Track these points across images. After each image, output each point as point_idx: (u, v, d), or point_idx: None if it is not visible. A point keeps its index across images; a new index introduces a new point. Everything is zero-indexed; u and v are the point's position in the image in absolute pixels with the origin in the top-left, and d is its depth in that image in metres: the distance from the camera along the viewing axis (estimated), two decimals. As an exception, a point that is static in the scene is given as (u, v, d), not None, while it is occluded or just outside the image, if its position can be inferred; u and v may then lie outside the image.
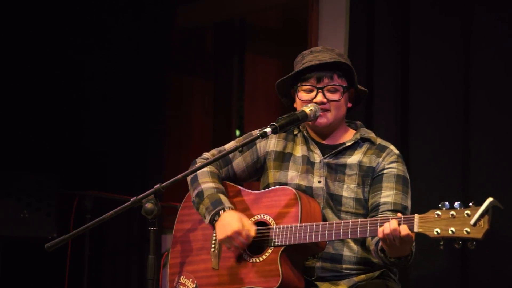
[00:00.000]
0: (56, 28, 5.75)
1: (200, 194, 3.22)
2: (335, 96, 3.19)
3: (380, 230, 2.85)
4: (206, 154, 3.36)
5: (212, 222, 3.15)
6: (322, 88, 3.18)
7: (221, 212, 3.14)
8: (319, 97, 3.18)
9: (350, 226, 2.95)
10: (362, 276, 3.17)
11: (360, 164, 3.20)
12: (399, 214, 2.89)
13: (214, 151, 3.37)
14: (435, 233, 2.70)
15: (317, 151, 3.25)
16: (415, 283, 4.15)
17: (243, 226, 3.08)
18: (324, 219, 3.16)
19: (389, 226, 2.83)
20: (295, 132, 3.33)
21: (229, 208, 3.15)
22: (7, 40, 5.66)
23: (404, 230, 2.81)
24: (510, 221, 3.82)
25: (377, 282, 3.16)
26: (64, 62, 5.78)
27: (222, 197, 3.20)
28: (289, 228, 3.06)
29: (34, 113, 5.72)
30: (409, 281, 4.13)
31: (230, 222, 3.09)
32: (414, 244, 3.02)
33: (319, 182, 3.20)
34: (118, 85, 5.75)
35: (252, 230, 3.09)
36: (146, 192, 2.97)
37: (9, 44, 5.67)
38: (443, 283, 4.10)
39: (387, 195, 3.14)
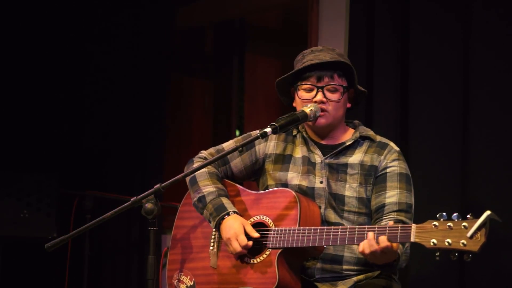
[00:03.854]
0: (56, 29, 5.76)
1: (202, 199, 3.22)
2: (335, 96, 3.19)
3: (361, 244, 2.86)
4: (204, 153, 3.36)
5: (218, 227, 3.16)
6: (322, 88, 3.18)
7: (226, 217, 3.14)
8: (319, 96, 3.18)
9: (347, 233, 2.94)
10: (361, 276, 3.16)
11: (361, 163, 3.20)
12: (399, 222, 2.89)
13: (212, 150, 3.36)
14: (432, 243, 2.70)
15: (318, 151, 3.25)
16: (414, 282, 4.15)
17: (242, 231, 3.09)
18: (325, 220, 3.15)
19: (368, 243, 2.83)
20: (294, 133, 3.32)
21: (233, 212, 3.16)
22: (7, 41, 5.66)
23: (383, 242, 2.81)
24: (509, 221, 3.82)
25: (377, 281, 3.16)
26: (64, 62, 5.78)
27: (225, 200, 3.20)
28: (287, 231, 3.05)
29: (34, 113, 5.72)
30: (409, 281, 4.13)
31: (232, 225, 3.10)
32: (407, 245, 3.02)
33: (321, 182, 3.20)
34: (118, 85, 5.76)
35: (251, 237, 3.09)
36: (146, 192, 2.96)
37: (10, 45, 5.67)
38: (442, 282, 4.11)
39: (392, 195, 3.14)
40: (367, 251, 2.85)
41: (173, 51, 5.94)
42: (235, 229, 3.09)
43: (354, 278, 3.16)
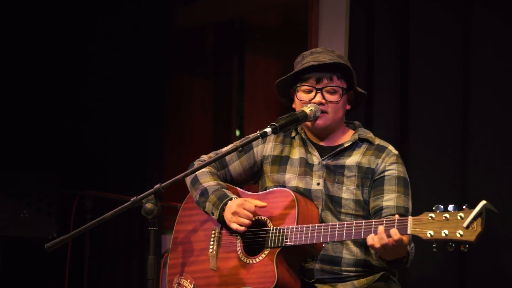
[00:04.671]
0: (56, 29, 5.76)
1: (205, 192, 3.23)
2: (333, 98, 3.19)
3: (369, 238, 2.86)
4: (204, 157, 3.36)
5: (221, 215, 3.16)
6: (321, 89, 3.18)
7: (229, 202, 3.15)
8: (318, 98, 3.18)
9: (345, 228, 2.95)
10: (363, 280, 3.16)
11: (359, 165, 3.20)
12: (396, 216, 2.88)
13: (212, 154, 3.37)
14: (428, 235, 2.70)
15: (316, 153, 3.24)
16: (414, 283, 4.16)
17: (243, 199, 3.12)
18: (322, 222, 3.15)
19: (378, 237, 2.83)
20: (293, 134, 3.32)
21: (235, 198, 3.17)
22: (7, 41, 5.66)
23: (395, 234, 2.81)
24: (508, 221, 3.82)
25: (378, 285, 3.15)
26: (64, 62, 5.78)
27: (227, 191, 3.21)
28: (285, 230, 3.06)
29: (34, 113, 5.72)
30: (409, 281, 4.14)
31: (234, 201, 3.13)
32: (413, 245, 3.02)
33: (318, 184, 3.19)
34: (118, 85, 5.76)
35: (256, 202, 3.11)
36: (146, 192, 2.97)
37: (10, 45, 5.67)
38: (442, 282, 4.11)
39: (389, 198, 3.14)
40: (377, 245, 2.84)
41: (173, 51, 5.94)
42: (238, 202, 3.10)
43: (355, 282, 3.15)
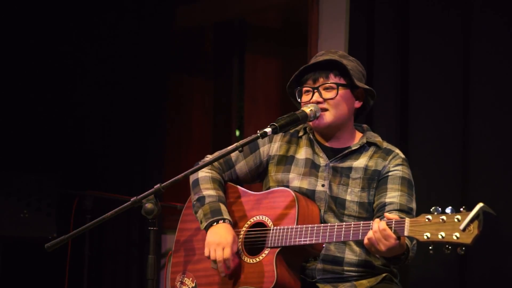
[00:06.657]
0: (56, 28, 5.76)
1: (202, 199, 3.23)
2: (330, 94, 3.18)
3: (365, 239, 2.87)
4: (209, 157, 3.35)
5: (207, 229, 3.17)
6: (317, 88, 3.18)
7: (220, 222, 3.15)
8: (315, 97, 3.18)
9: (343, 229, 2.94)
10: (364, 282, 3.15)
11: (366, 168, 3.19)
12: (395, 217, 2.88)
13: (217, 153, 3.35)
14: (425, 237, 2.70)
15: (322, 154, 3.24)
16: (414, 283, 4.15)
17: (231, 246, 3.10)
18: (324, 222, 3.15)
19: (371, 231, 2.83)
20: (300, 134, 3.32)
21: (228, 221, 3.17)
22: (7, 39, 5.66)
23: (382, 226, 2.81)
24: (508, 221, 3.82)
25: (380, 286, 3.15)
26: (64, 62, 5.78)
27: (223, 207, 3.21)
28: (285, 230, 3.06)
29: (34, 113, 5.72)
30: (409, 282, 4.13)
31: (225, 234, 3.12)
32: (415, 242, 3.01)
33: (323, 185, 3.19)
34: (118, 85, 5.76)
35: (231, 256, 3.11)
36: (146, 192, 2.96)
37: (11, 46, 5.67)
38: (443, 283, 4.11)
39: (393, 196, 3.13)
40: (367, 240, 2.84)
41: (173, 51, 5.94)
42: (227, 240, 3.10)
43: (356, 283, 3.15)
